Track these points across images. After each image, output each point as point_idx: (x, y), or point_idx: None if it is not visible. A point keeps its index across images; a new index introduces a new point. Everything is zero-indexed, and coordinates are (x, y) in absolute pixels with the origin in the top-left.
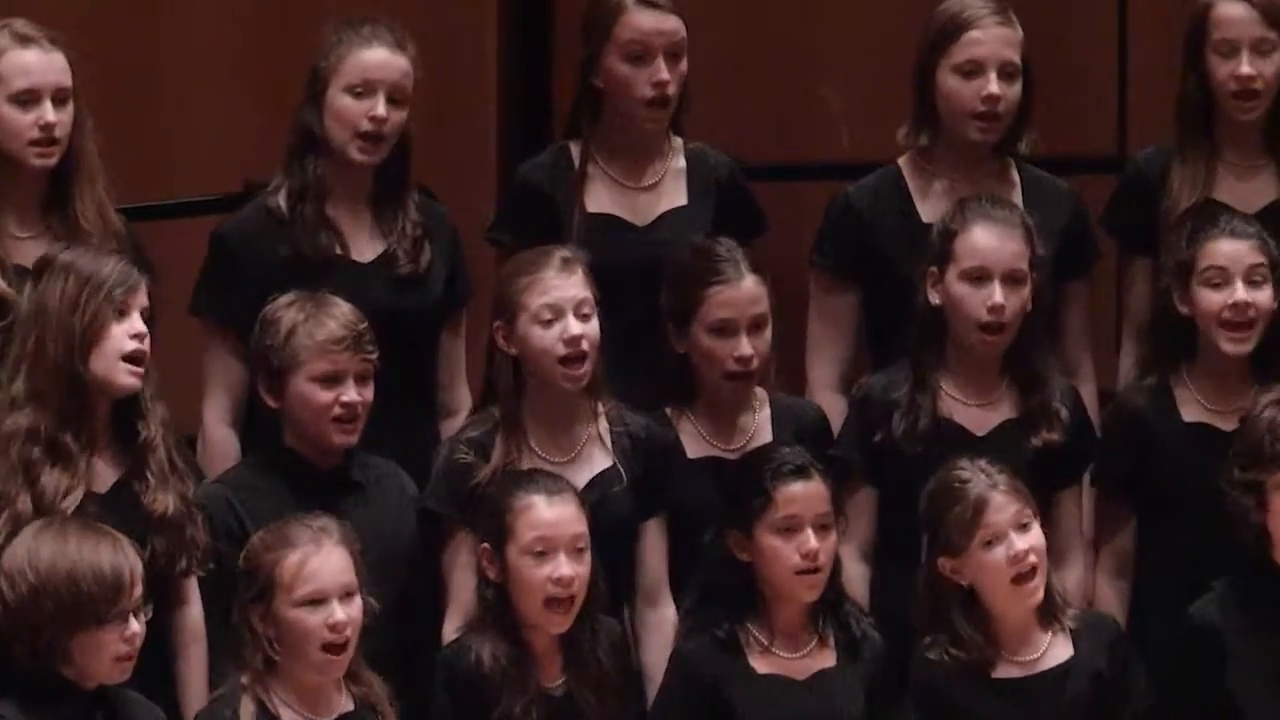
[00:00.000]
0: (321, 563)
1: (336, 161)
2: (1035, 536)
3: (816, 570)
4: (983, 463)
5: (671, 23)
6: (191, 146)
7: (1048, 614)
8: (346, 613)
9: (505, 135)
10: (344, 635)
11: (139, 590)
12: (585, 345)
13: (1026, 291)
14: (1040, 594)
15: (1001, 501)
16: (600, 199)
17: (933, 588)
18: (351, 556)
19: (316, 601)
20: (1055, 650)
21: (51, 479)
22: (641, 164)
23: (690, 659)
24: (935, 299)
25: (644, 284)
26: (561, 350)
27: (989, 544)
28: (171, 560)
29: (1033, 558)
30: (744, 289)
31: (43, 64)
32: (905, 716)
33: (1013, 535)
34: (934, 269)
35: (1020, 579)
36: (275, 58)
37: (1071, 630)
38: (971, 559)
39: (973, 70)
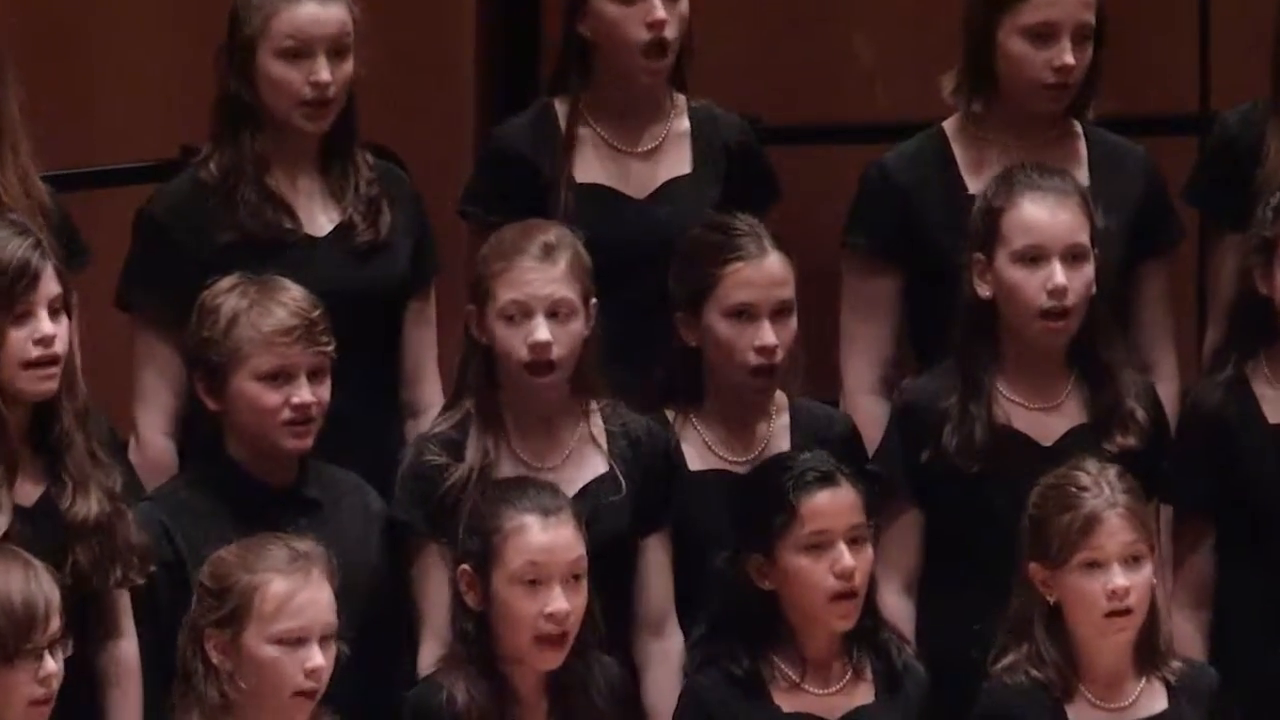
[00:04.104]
0: (311, 597)
1: (277, 131)
2: (1143, 574)
3: (853, 594)
4: (1112, 473)
5: None
6: (122, 106)
7: (1147, 661)
8: (326, 658)
9: (484, 97)
10: (320, 683)
11: (55, 624)
12: (553, 354)
13: (1090, 269)
14: (1129, 635)
15: (1116, 525)
16: (591, 167)
17: (1021, 593)
18: (334, 592)
19: (297, 641)
20: (1148, 700)
21: None
22: (639, 126)
23: (705, 696)
24: (985, 290)
25: (641, 265)
26: (525, 355)
27: (1089, 568)
28: (102, 571)
29: (1132, 598)
30: (766, 268)
31: None
32: None
33: (1117, 568)
34: (979, 255)
35: (1114, 614)
36: (216, 8)
37: (1170, 682)
38: (1067, 578)
39: (1045, 34)
